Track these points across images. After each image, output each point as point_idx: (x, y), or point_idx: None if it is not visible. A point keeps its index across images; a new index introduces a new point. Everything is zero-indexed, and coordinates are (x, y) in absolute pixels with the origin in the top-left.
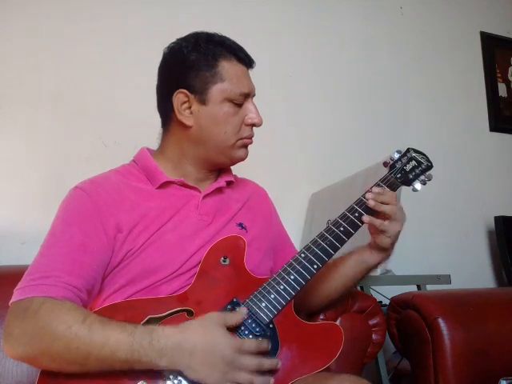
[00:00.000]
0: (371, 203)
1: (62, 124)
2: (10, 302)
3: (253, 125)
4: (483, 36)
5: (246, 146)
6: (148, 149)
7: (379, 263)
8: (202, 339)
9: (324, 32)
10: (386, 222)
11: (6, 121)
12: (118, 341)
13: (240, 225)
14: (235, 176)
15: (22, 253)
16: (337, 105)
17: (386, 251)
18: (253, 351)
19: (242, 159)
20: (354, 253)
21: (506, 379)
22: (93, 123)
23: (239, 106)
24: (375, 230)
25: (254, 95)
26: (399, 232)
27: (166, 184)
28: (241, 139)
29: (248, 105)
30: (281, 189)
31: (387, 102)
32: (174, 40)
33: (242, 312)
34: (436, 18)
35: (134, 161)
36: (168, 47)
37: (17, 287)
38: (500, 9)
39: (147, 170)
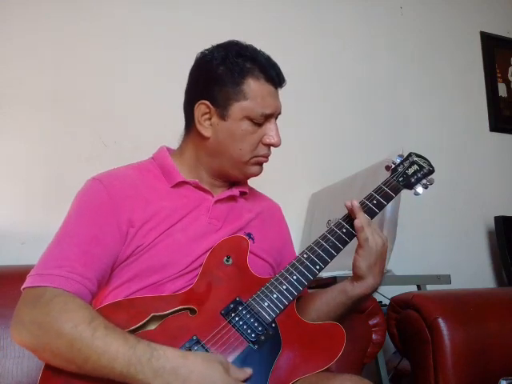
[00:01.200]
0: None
1: (62, 124)
2: (23, 287)
3: (271, 145)
4: (483, 36)
5: (260, 164)
6: (168, 148)
7: (361, 296)
8: (200, 369)
9: (324, 32)
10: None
11: (6, 121)
12: (117, 352)
13: (248, 235)
14: (251, 188)
15: (21, 253)
16: (337, 105)
17: (362, 279)
18: None
19: (255, 175)
20: (340, 283)
21: (505, 379)
22: (93, 123)
23: (259, 125)
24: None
25: (280, 113)
26: (374, 258)
27: (181, 184)
28: (256, 157)
29: (269, 124)
30: (281, 189)
31: (387, 102)
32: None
33: (247, 372)
34: (436, 18)
35: (152, 158)
36: (201, 52)
37: (30, 273)
38: (500, 9)
39: (164, 169)
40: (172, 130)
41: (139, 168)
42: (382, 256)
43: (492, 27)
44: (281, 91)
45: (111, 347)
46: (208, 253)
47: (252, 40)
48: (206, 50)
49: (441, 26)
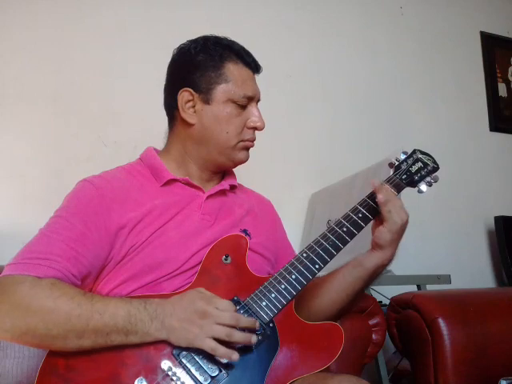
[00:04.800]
0: (380, 196)
1: (62, 124)
2: (1, 275)
3: (255, 128)
4: (483, 36)
5: (247, 149)
6: (154, 148)
7: (378, 265)
8: (180, 299)
9: (324, 32)
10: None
11: (6, 121)
12: (117, 307)
13: (244, 231)
14: (240, 184)
15: None
16: (337, 105)
17: (381, 249)
18: (225, 308)
19: (243, 161)
20: (353, 259)
21: (505, 379)
22: (93, 123)
23: (242, 108)
24: (377, 223)
25: (259, 100)
26: (396, 230)
27: (171, 182)
28: (242, 141)
29: (251, 108)
30: (281, 189)
31: (387, 101)
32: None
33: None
34: (436, 18)
35: (140, 159)
36: (178, 47)
37: (10, 262)
38: (500, 9)
39: (153, 168)
40: None
41: (128, 170)
42: (403, 231)
43: (492, 27)
44: (281, 91)
45: (110, 305)
46: (204, 250)
47: (252, 40)
48: (182, 44)
49: (441, 25)
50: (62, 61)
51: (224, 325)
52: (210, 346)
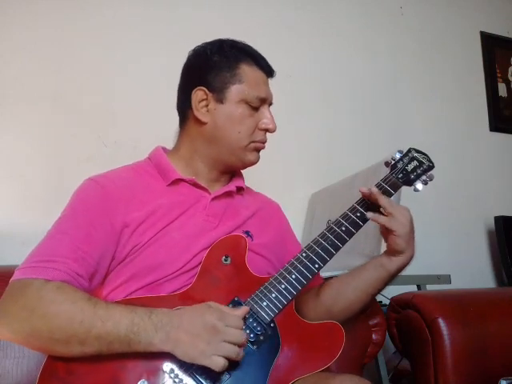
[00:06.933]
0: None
1: (62, 124)
2: (11, 279)
3: (266, 130)
4: (483, 36)
5: (258, 150)
6: (163, 148)
7: (400, 268)
8: (189, 313)
9: (324, 32)
10: (391, 218)
11: (6, 121)
12: (121, 315)
13: (246, 232)
14: (249, 188)
15: (21, 253)
16: (337, 105)
17: (402, 253)
18: (235, 325)
19: (253, 163)
20: (374, 260)
21: (505, 379)
22: (93, 123)
23: (255, 109)
24: (385, 232)
25: (272, 103)
26: (409, 230)
27: (177, 181)
28: (253, 142)
29: (264, 110)
30: (281, 188)
31: (387, 101)
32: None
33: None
34: (436, 18)
35: (148, 158)
36: (193, 49)
37: (19, 266)
38: (500, 9)
39: (160, 167)
40: (172, 130)
41: (135, 169)
42: (413, 226)
43: (492, 27)
44: (281, 91)
45: (114, 312)
46: (206, 252)
47: (252, 40)
48: (198, 46)
49: (441, 25)
50: (61, 61)
51: (234, 343)
52: (219, 364)
